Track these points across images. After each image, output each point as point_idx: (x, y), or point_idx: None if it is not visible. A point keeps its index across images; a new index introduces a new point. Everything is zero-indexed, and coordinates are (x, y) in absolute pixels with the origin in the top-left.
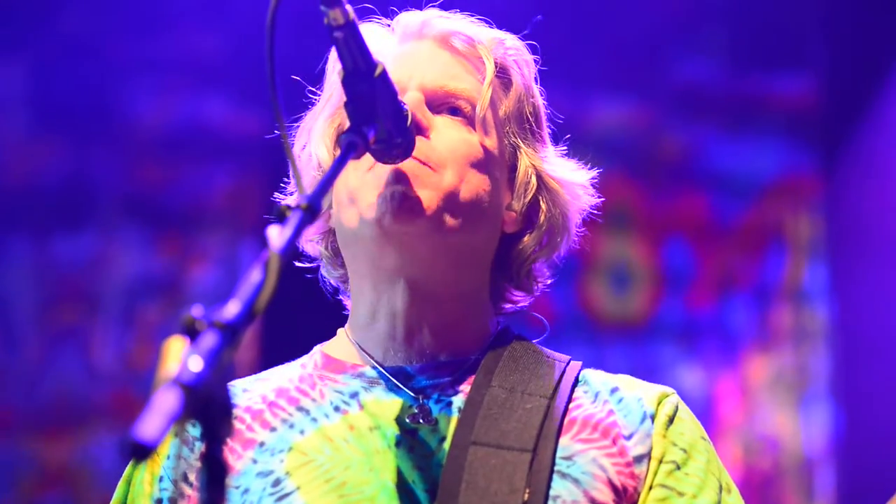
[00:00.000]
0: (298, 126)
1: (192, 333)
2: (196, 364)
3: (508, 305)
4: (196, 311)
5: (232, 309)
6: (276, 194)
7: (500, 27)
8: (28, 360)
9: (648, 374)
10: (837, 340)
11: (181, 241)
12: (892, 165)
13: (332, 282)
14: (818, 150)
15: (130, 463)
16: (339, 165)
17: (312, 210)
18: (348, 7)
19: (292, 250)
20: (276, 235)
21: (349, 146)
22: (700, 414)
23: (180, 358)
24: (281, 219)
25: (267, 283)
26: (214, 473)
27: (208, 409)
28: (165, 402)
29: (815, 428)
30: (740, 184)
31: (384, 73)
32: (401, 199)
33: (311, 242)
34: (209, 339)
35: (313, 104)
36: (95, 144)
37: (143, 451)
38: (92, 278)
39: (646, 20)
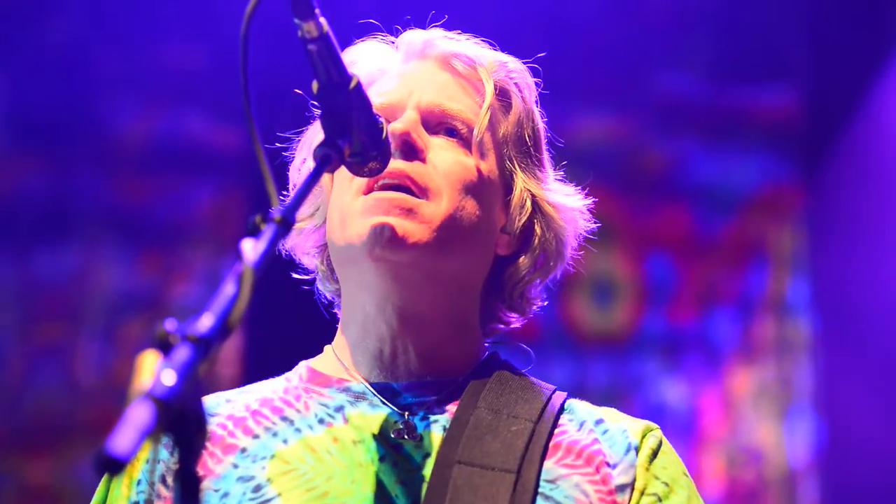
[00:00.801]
0: (291, 137)
1: (165, 347)
2: (169, 378)
3: (501, 326)
4: (169, 324)
5: (205, 322)
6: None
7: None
8: (9, 376)
9: (631, 387)
10: (820, 353)
11: (163, 256)
12: (874, 177)
13: (327, 295)
14: (800, 163)
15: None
16: (312, 178)
17: (286, 223)
18: (322, 20)
19: (266, 264)
20: (250, 249)
21: (323, 159)
22: (683, 427)
23: (153, 372)
24: (254, 232)
25: (241, 296)
26: (188, 487)
27: (181, 422)
28: (138, 415)
29: (798, 440)
30: (722, 197)
31: (359, 86)
32: (391, 232)
33: (308, 256)
34: (182, 353)
35: (312, 117)
36: (77, 159)
37: (116, 465)
38: (74, 294)
39: (628, 33)
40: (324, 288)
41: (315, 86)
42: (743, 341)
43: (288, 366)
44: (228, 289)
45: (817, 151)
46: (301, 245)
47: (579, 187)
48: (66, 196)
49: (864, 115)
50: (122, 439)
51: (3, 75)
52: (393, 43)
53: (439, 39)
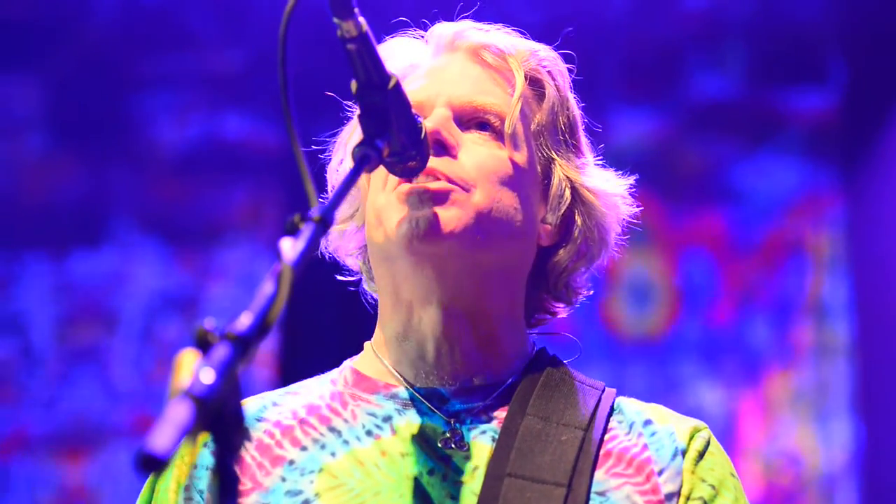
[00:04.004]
0: (330, 140)
1: (204, 346)
2: (208, 376)
3: (547, 316)
4: (208, 323)
5: (244, 321)
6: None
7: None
8: (47, 379)
9: (669, 391)
10: (858, 357)
11: (200, 257)
12: None
13: (373, 295)
14: (838, 166)
15: (152, 475)
16: (351, 178)
17: (325, 222)
18: (361, 19)
19: (305, 263)
20: (289, 248)
21: (362, 159)
22: (721, 431)
23: (192, 370)
24: (293, 231)
25: (279, 295)
26: (226, 485)
27: (220, 420)
28: (177, 414)
29: (835, 444)
30: (760, 200)
31: (398, 86)
32: (429, 221)
33: (351, 257)
34: (221, 352)
35: (349, 119)
36: (114, 162)
37: (154, 463)
38: (111, 296)
39: (665, 36)
40: (369, 288)
41: (354, 85)
42: (781, 345)
43: (323, 366)
44: (267, 288)
45: (855, 154)
46: (344, 246)
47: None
48: (103, 198)
49: None
50: (161, 437)
51: (41, 77)
52: (423, 37)
53: (469, 31)
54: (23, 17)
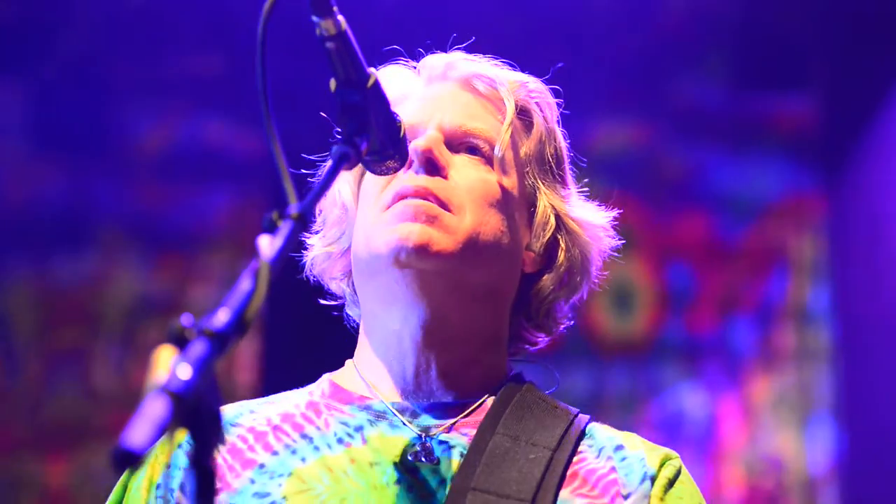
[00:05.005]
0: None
1: (181, 342)
2: (185, 372)
3: (527, 346)
4: (185, 319)
5: (221, 317)
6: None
7: (506, 56)
8: (28, 381)
9: (651, 394)
10: (840, 360)
11: (181, 261)
12: (894, 185)
13: (356, 319)
14: (820, 170)
15: (126, 471)
16: (330, 176)
17: (303, 219)
18: (340, 17)
19: (282, 260)
20: (267, 245)
21: (341, 157)
22: (703, 435)
23: (169, 366)
24: (271, 229)
25: (257, 292)
26: (202, 482)
27: (197, 416)
28: (153, 409)
29: (818, 448)
30: (742, 204)
31: (377, 84)
32: (419, 236)
33: (335, 280)
34: (198, 348)
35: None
36: (95, 166)
37: (131, 459)
38: (92, 299)
39: (647, 40)
40: (352, 312)
41: (333, 83)
42: (763, 349)
43: (305, 371)
44: (245, 284)
45: (837, 159)
46: (329, 270)
47: (602, 200)
48: (85, 202)
49: (884, 123)
50: (137, 433)
51: (21, 84)
52: (415, 68)
53: (460, 61)
54: (3, 22)
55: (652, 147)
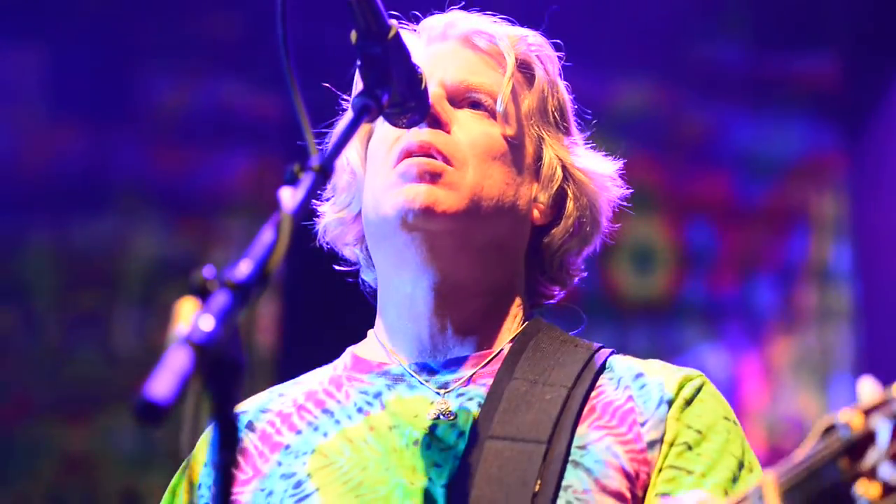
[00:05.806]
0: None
1: (203, 294)
2: (207, 323)
3: (544, 299)
4: (207, 271)
5: (243, 269)
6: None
7: (517, 15)
8: (48, 345)
9: (671, 354)
10: (862, 320)
11: (201, 224)
12: None
13: (370, 283)
14: (842, 129)
15: (177, 473)
16: (351, 128)
17: (325, 172)
18: None
19: (304, 212)
20: (289, 197)
21: (362, 109)
22: (724, 395)
23: (191, 318)
24: (293, 181)
25: (279, 243)
26: (225, 433)
27: (219, 367)
28: (176, 360)
29: (839, 407)
30: (763, 163)
31: (398, 36)
32: (424, 197)
33: (349, 247)
34: (220, 299)
35: (345, 111)
36: (114, 129)
37: (155, 411)
38: (111, 262)
39: (668, 1)
40: (366, 276)
41: (354, 36)
42: (784, 309)
43: (324, 332)
44: (266, 236)
45: (859, 117)
46: (342, 237)
47: (617, 155)
48: (104, 164)
49: None
50: (160, 384)
51: (41, 45)
52: (415, 31)
53: (459, 20)
54: None
55: (673, 107)
